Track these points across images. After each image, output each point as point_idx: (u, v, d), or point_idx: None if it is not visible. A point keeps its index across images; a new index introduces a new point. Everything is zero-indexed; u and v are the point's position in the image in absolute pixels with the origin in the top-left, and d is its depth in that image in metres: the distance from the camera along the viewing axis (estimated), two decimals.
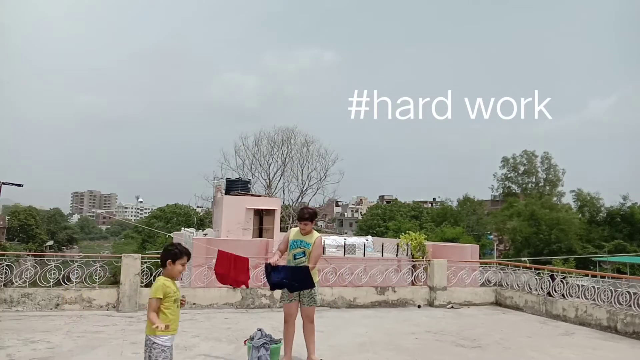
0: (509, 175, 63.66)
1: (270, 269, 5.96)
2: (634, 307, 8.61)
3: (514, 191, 62.68)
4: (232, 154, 47.13)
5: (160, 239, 49.96)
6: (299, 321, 6.12)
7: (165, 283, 4.23)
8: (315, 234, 6.04)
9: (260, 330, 5.96)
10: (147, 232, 54.63)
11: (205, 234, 29.30)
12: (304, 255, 5.96)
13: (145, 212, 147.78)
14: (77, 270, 9.70)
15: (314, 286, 6.27)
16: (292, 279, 5.86)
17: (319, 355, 6.22)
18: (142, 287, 9.57)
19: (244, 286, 9.79)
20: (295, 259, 6.00)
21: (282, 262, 6.10)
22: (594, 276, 11.84)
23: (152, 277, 10.21)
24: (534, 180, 62.28)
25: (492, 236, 58.07)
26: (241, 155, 44.66)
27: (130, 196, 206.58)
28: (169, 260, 4.30)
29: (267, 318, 9.03)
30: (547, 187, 61.12)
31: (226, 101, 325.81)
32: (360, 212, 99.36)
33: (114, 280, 15.73)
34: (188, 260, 4.39)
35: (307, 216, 5.99)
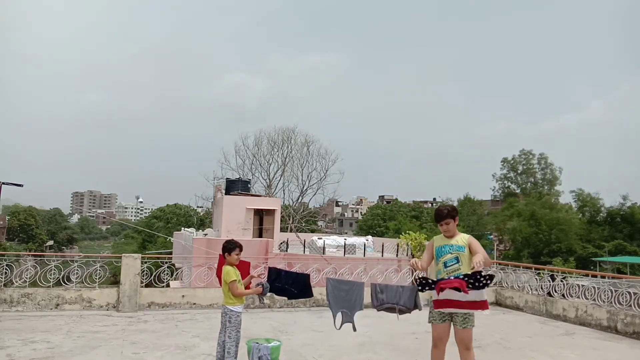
0: (508, 175, 63.71)
1: (275, 275, 5.86)
2: (634, 307, 8.60)
3: (513, 191, 62.65)
4: (233, 153, 47.35)
5: (160, 239, 49.98)
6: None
7: (230, 269, 5.29)
8: (463, 234, 5.12)
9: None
10: (147, 232, 54.69)
11: (206, 234, 29.34)
12: (458, 262, 4.94)
13: (145, 212, 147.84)
14: (77, 270, 9.69)
15: (312, 295, 6.06)
16: (292, 286, 5.76)
17: (318, 355, 6.19)
18: (142, 287, 9.55)
19: None
20: (446, 267, 4.99)
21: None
22: (594, 276, 11.85)
23: (152, 277, 10.23)
24: (532, 180, 62.28)
25: (492, 236, 58.01)
26: (241, 155, 44.77)
27: (130, 196, 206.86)
28: (225, 253, 5.32)
29: (267, 318, 9.05)
30: (546, 187, 61.12)
31: (227, 101, 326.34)
32: (360, 212, 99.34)
33: (114, 280, 15.74)
34: (240, 251, 5.35)
35: (445, 212, 5.03)
